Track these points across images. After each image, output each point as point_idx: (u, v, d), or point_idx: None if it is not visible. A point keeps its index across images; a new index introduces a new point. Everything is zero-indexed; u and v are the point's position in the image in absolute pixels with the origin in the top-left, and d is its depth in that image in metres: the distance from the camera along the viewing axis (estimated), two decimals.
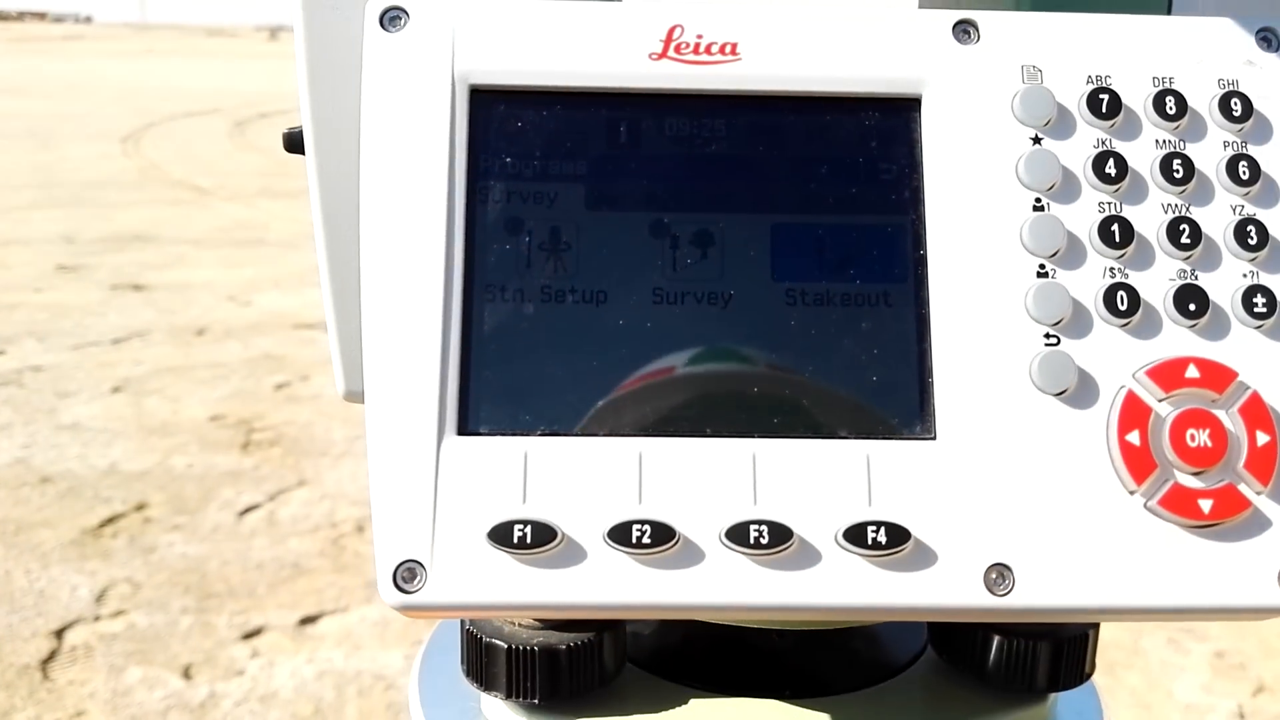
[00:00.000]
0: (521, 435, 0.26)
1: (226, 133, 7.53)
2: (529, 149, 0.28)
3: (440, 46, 0.28)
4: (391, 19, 0.28)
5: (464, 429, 0.26)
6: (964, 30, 0.29)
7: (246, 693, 1.44)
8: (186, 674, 1.47)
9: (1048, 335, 0.27)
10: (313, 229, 0.32)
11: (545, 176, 0.28)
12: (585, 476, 0.26)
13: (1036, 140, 0.28)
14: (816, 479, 0.26)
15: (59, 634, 1.55)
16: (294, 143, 0.34)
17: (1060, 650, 0.32)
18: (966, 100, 0.28)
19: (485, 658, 0.30)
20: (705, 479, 0.26)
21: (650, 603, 0.26)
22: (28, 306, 3.19)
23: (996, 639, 0.32)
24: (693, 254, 0.28)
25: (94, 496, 1.98)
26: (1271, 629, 1.54)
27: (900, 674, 0.35)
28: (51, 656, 1.50)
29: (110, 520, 1.89)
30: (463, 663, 0.32)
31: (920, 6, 0.39)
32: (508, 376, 0.27)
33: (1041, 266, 0.28)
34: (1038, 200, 0.28)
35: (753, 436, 0.27)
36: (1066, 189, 0.28)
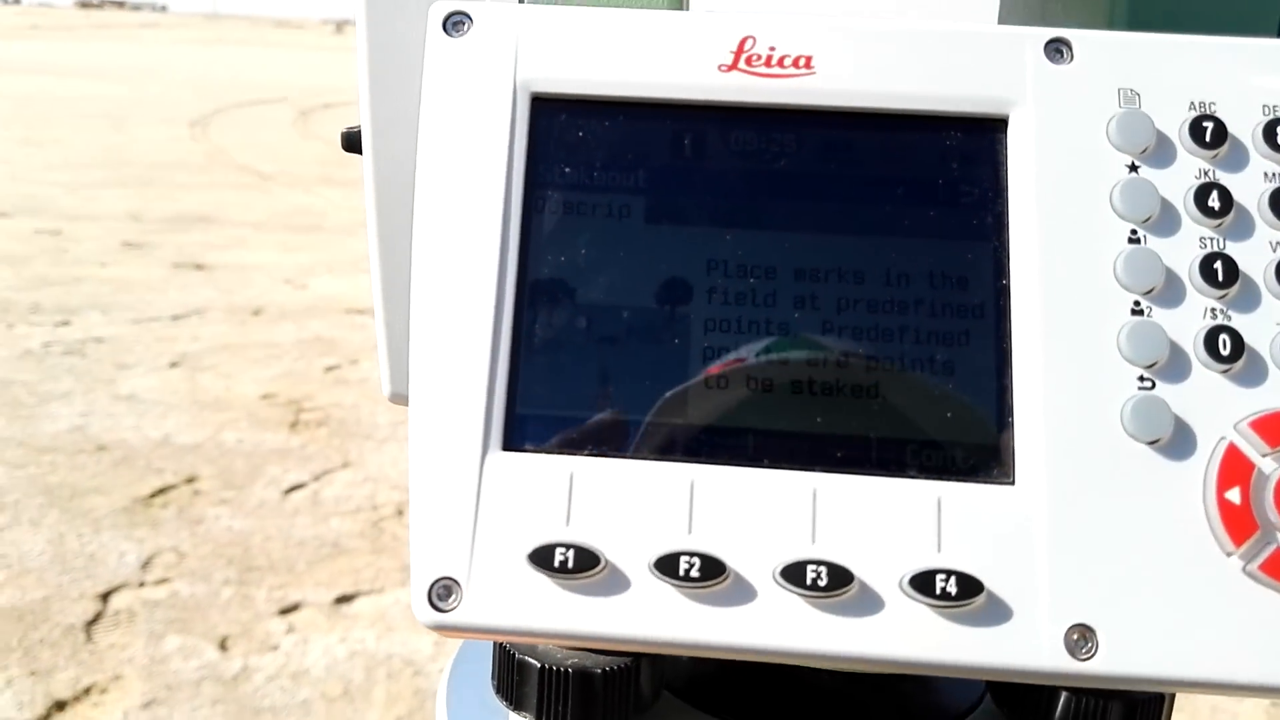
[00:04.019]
0: (568, 454, 0.25)
1: (291, 121, 7.67)
2: (589, 159, 0.27)
3: (503, 53, 0.27)
4: (454, 24, 0.27)
5: (509, 444, 0.25)
6: (1057, 49, 0.27)
7: (279, 668, 1.46)
8: (223, 645, 1.50)
9: (1142, 378, 0.25)
10: (365, 226, 0.32)
11: (605, 188, 0.27)
12: (633, 501, 0.25)
13: (1133, 168, 0.26)
14: (881, 519, 0.24)
15: (105, 597, 1.59)
16: (352, 142, 0.33)
17: (1134, 711, 0.29)
18: (1058, 123, 0.26)
19: (517, 675, 0.29)
20: (761, 512, 0.25)
21: (695, 641, 0.24)
22: (93, 280, 3.28)
23: (1064, 695, 0.29)
24: (755, 274, 0.26)
25: (146, 467, 2.03)
26: None
27: None
28: (96, 619, 1.53)
29: (161, 491, 1.94)
30: (493, 678, 0.30)
31: (999, 23, 0.37)
32: (556, 392, 0.26)
33: (1137, 304, 0.26)
34: (1134, 232, 0.26)
35: (814, 470, 0.25)
36: (1165, 221, 0.26)
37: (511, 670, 0.29)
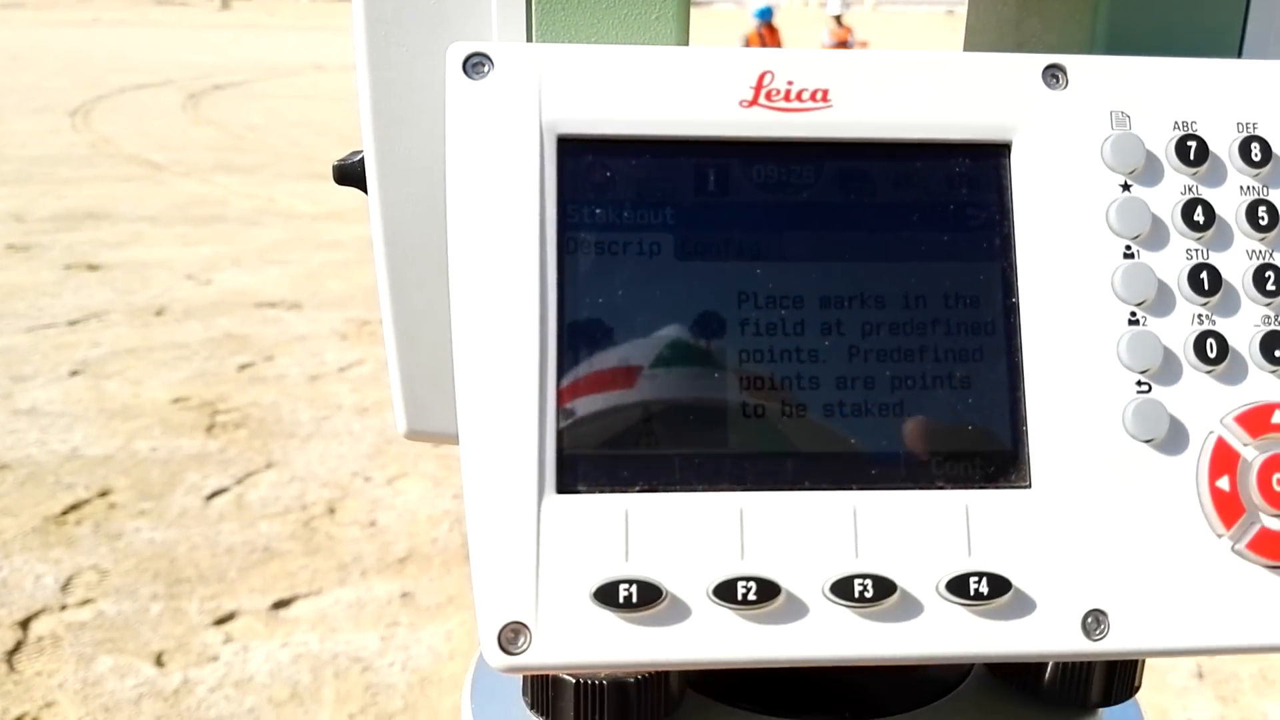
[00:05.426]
0: (620, 492, 0.27)
1: (180, 105, 7.34)
2: (618, 199, 0.28)
3: (526, 95, 0.28)
4: (474, 66, 0.28)
5: (563, 487, 0.26)
6: (1053, 75, 0.29)
7: (221, 679, 1.42)
8: (159, 661, 1.45)
9: (1139, 383, 0.28)
10: (374, 264, 0.32)
11: (635, 227, 0.28)
12: (687, 533, 0.26)
13: (1126, 187, 0.28)
14: (917, 530, 0.27)
15: (24, 624, 1.52)
16: (345, 175, 0.33)
17: (1113, 668, 0.32)
18: (1057, 146, 0.28)
19: (552, 692, 0.30)
20: (807, 533, 0.26)
21: (756, 658, 0.26)
22: None
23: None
24: (784, 303, 0.28)
25: (55, 483, 1.94)
26: None
27: (952, 691, 0.36)
28: (17, 648, 1.47)
29: (74, 507, 1.85)
30: (525, 694, 0.31)
31: (965, 42, 0.39)
32: (604, 433, 0.27)
33: (1133, 314, 0.28)
34: (1128, 248, 0.28)
35: (852, 488, 0.27)
36: (1155, 236, 0.28)
37: (546, 687, 0.30)
